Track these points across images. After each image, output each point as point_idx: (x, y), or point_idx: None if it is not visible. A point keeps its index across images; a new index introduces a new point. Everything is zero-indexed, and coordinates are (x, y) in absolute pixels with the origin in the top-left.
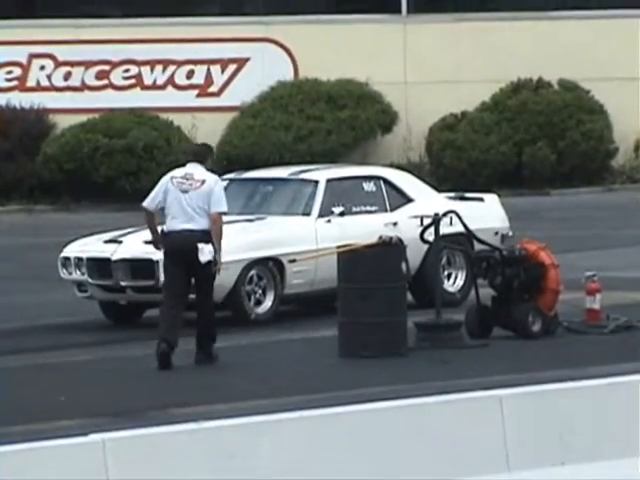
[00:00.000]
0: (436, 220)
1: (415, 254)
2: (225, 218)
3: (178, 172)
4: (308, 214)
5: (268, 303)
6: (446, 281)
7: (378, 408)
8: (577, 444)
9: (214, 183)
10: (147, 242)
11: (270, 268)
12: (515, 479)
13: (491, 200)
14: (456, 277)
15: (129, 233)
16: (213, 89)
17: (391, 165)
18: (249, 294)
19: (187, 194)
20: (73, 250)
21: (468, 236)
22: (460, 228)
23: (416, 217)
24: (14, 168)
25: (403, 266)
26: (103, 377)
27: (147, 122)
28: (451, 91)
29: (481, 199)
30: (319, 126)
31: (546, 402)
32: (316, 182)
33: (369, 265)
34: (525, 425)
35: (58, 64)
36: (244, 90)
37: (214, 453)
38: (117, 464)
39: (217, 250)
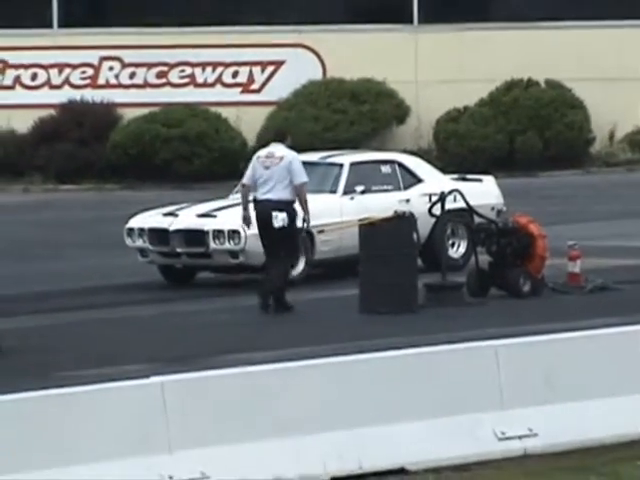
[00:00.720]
0: (442, 197)
1: (424, 226)
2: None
3: (262, 152)
4: (334, 192)
5: (300, 267)
6: (450, 249)
7: (394, 356)
8: (559, 386)
9: (291, 158)
10: (200, 215)
11: (302, 237)
12: (507, 416)
13: (488, 181)
14: (459, 246)
15: (184, 208)
16: (254, 87)
17: (404, 151)
18: None
19: (269, 170)
20: (137, 221)
21: (469, 211)
22: (462, 204)
23: (425, 195)
24: (87, 153)
25: (414, 236)
26: (163, 329)
27: (199, 114)
28: (455, 89)
29: (480, 180)
30: (344, 118)
31: (534, 351)
32: (341, 165)
33: (386, 235)
34: (516, 370)
35: (124, 65)
36: (281, 87)
37: (254, 393)
38: (174, 402)
39: (306, 211)
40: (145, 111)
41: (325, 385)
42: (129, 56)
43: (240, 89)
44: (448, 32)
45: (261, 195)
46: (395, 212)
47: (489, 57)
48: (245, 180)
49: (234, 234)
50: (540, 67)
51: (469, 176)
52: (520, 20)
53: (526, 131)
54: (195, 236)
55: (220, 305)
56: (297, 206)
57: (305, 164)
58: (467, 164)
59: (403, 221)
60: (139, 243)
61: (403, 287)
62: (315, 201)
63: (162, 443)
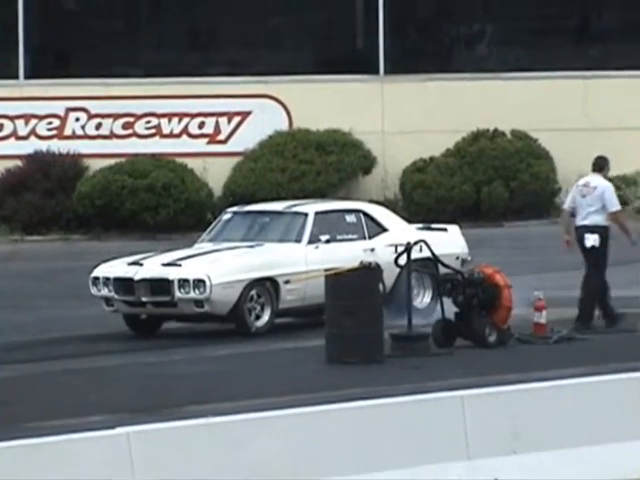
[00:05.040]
0: (408, 248)
1: (389, 276)
2: (228, 244)
3: (582, 181)
4: (299, 241)
5: (266, 317)
6: (415, 299)
7: (360, 406)
8: (526, 436)
9: (604, 188)
10: (165, 264)
11: (267, 287)
12: (473, 466)
13: (453, 230)
14: (424, 296)
15: (149, 257)
16: (221, 137)
17: (370, 201)
18: (250, 310)
19: (584, 198)
20: (102, 271)
21: (434, 261)
22: (428, 254)
23: (391, 245)
24: (54, 204)
25: (380, 287)
26: (128, 379)
27: (165, 165)
28: (421, 139)
29: (445, 229)
30: (310, 169)
31: (500, 401)
32: (306, 214)
33: (352, 286)
34: (483, 421)
35: (91, 116)
36: (247, 138)
37: (221, 443)
38: (140, 453)
39: (628, 234)
40: (111, 162)
41: (292, 435)
42: (95, 107)
43: (206, 140)
44: (414, 82)
45: (579, 221)
46: (361, 263)
47: (455, 108)
48: (565, 205)
49: (199, 283)
50: (505, 118)
51: (434, 225)
52: (485, 71)
53: (492, 181)
54: (160, 285)
55: (186, 355)
56: (608, 230)
57: (269, 213)
58: (433, 214)
59: (369, 272)
60: (104, 292)
61: (369, 337)
62: (280, 250)
63: None
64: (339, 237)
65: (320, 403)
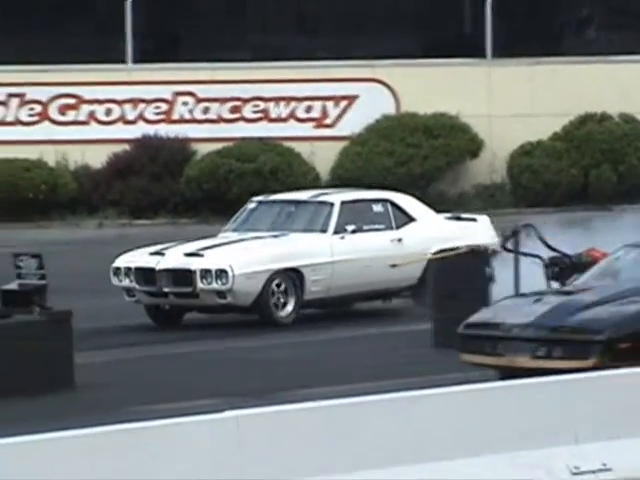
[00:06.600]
0: (515, 232)
1: (417, 268)
2: (252, 234)
3: None
4: (325, 231)
5: (290, 308)
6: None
7: (479, 388)
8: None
9: None
10: (187, 254)
11: (292, 278)
12: (581, 451)
13: (483, 221)
14: None
15: (171, 247)
16: (328, 121)
17: (478, 186)
18: (274, 301)
19: None
20: (123, 261)
21: (545, 245)
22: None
23: (418, 234)
24: (161, 188)
25: (487, 270)
26: (225, 364)
27: (272, 149)
28: (528, 123)
29: (474, 219)
30: (417, 152)
31: (606, 385)
32: (332, 204)
33: (457, 269)
34: (591, 404)
35: (198, 100)
36: (354, 122)
37: (329, 428)
38: (247, 437)
39: None
40: (219, 146)
41: (397, 420)
42: (203, 91)
43: (313, 124)
44: (521, 66)
45: None
46: (469, 246)
47: (562, 91)
48: None
49: (221, 273)
50: (614, 101)
51: (464, 215)
52: (593, 54)
53: (600, 165)
54: (182, 275)
55: (285, 340)
56: None
57: (295, 203)
58: (540, 198)
59: (475, 255)
60: (126, 283)
61: None
62: (305, 240)
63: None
64: (366, 227)
65: (426, 387)
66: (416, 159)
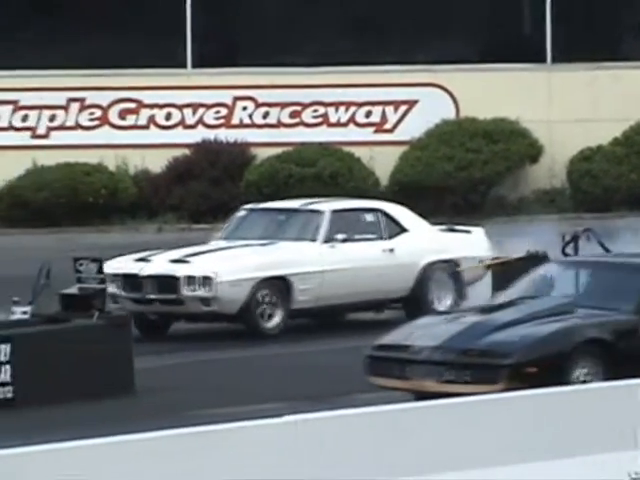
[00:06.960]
0: (575, 237)
1: (409, 276)
2: (242, 242)
3: None
4: (315, 240)
5: (277, 318)
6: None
7: (535, 394)
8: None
9: None
10: (173, 261)
11: (278, 287)
12: None
13: (477, 232)
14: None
15: (157, 253)
16: (387, 126)
17: (537, 191)
18: (260, 310)
19: None
20: (109, 267)
21: (603, 249)
22: (448, 256)
23: (410, 245)
24: (221, 192)
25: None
26: (277, 369)
27: (332, 154)
28: (588, 128)
29: (468, 231)
30: (477, 157)
31: None
32: (322, 213)
33: (519, 275)
34: None
35: (258, 105)
36: (414, 127)
37: (387, 432)
38: (307, 442)
39: None
40: (278, 150)
41: (460, 424)
42: (262, 96)
43: (373, 128)
44: (581, 71)
45: None
46: (528, 251)
47: (622, 96)
48: None
49: (206, 280)
50: None
51: (457, 227)
52: None
53: None
54: (167, 282)
55: (336, 346)
56: None
57: (285, 211)
58: (600, 203)
59: (536, 260)
60: (111, 289)
61: None
62: (293, 249)
63: None
64: (356, 237)
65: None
66: (476, 164)
